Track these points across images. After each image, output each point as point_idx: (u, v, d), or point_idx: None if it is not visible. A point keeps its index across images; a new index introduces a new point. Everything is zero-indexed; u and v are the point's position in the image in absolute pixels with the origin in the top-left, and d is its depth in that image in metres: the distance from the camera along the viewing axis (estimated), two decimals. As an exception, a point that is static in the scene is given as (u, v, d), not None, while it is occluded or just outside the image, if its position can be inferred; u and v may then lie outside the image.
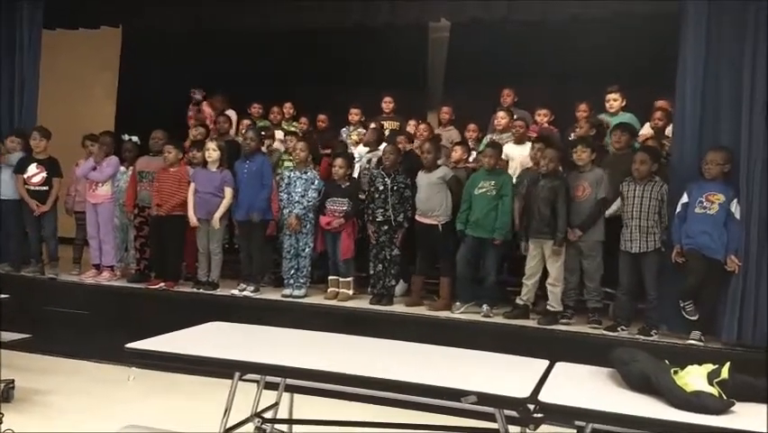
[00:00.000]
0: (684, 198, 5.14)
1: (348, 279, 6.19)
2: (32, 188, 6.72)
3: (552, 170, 5.53)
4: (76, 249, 7.06)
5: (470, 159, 6.67)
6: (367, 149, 6.95)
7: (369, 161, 6.80)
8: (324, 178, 6.44)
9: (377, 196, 6.08)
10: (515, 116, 7.14)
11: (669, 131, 6.06)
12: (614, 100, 6.49)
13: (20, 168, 6.75)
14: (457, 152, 6.53)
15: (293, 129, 7.75)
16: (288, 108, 8.01)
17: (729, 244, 4.99)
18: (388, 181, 6.07)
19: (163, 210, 6.28)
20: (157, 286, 6.36)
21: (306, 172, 6.25)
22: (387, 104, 7.68)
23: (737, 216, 4.98)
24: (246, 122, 7.65)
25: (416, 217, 6.02)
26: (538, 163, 5.74)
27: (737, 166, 5.02)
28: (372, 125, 7.28)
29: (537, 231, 5.53)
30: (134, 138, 6.89)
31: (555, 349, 4.49)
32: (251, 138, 6.38)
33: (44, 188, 6.73)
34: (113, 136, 6.95)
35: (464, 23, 7.81)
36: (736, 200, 5.00)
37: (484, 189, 5.75)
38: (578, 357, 3.44)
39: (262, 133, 6.96)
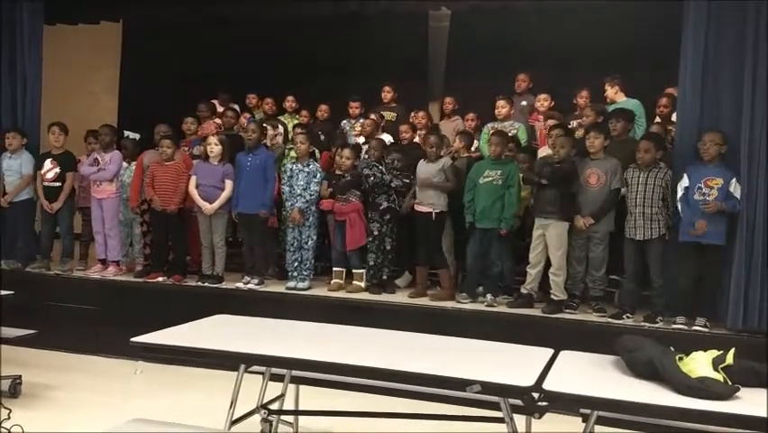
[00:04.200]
0: (685, 182, 5.09)
1: (361, 271, 6.17)
2: (46, 183, 6.71)
3: (565, 156, 5.50)
4: (83, 245, 7.07)
5: (473, 148, 6.66)
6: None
7: (366, 152, 6.78)
8: (324, 170, 6.43)
9: (377, 185, 6.07)
10: (523, 102, 7.13)
11: (675, 117, 6.04)
12: (604, 90, 6.48)
13: (38, 164, 6.75)
14: (457, 142, 6.51)
15: (296, 121, 7.73)
16: (291, 102, 7.99)
17: (727, 204, 4.95)
18: (384, 169, 6.09)
19: (171, 206, 6.28)
20: (155, 280, 6.36)
21: (308, 165, 6.24)
22: (386, 93, 7.64)
23: (737, 194, 4.95)
24: (246, 115, 7.63)
25: (416, 207, 6.01)
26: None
27: (738, 151, 4.97)
28: (372, 116, 7.26)
29: (542, 211, 5.50)
30: (132, 135, 6.87)
31: (560, 338, 4.50)
32: (252, 130, 6.38)
33: (57, 183, 6.71)
34: (112, 129, 6.94)
35: (464, 10, 7.79)
36: (734, 180, 4.96)
37: (490, 179, 5.73)
38: (583, 346, 3.43)
39: (264, 125, 6.95)
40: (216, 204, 6.22)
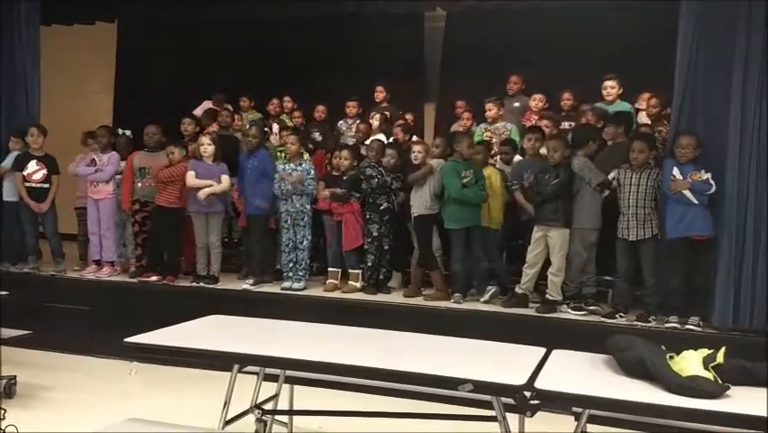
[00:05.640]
0: (678, 174, 5.09)
1: (357, 271, 6.18)
2: (34, 185, 6.69)
3: (560, 159, 5.51)
4: (80, 245, 7.07)
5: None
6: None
7: (366, 153, 6.78)
8: (318, 169, 6.44)
9: (376, 186, 6.08)
10: (516, 104, 7.15)
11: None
12: (611, 88, 6.45)
13: (19, 165, 6.73)
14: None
15: (290, 123, 7.75)
16: (287, 102, 8.00)
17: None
18: (383, 170, 6.11)
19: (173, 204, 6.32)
20: (149, 279, 6.36)
21: (300, 164, 6.24)
22: (379, 93, 7.66)
23: (712, 182, 5.02)
24: (237, 116, 7.62)
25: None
26: (537, 153, 5.79)
27: (727, 150, 5.00)
28: (376, 116, 7.28)
29: (544, 219, 5.50)
30: (128, 132, 6.87)
31: (554, 337, 4.52)
32: (253, 135, 6.38)
33: (45, 185, 6.70)
34: (109, 130, 6.94)
35: (460, 11, 7.81)
36: (709, 175, 5.03)
37: (467, 179, 5.74)
38: (577, 345, 3.45)
39: (265, 129, 6.96)
40: (209, 190, 6.17)
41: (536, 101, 6.94)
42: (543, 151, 5.88)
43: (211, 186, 6.19)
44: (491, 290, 5.75)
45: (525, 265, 5.63)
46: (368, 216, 6.15)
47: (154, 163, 6.47)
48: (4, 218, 6.81)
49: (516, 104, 7.18)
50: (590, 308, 5.45)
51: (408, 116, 7.27)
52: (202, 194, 6.16)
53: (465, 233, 5.77)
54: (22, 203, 6.71)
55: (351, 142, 7.13)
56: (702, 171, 5.05)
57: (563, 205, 5.44)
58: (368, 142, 6.79)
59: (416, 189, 5.93)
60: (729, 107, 5.00)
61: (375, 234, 6.11)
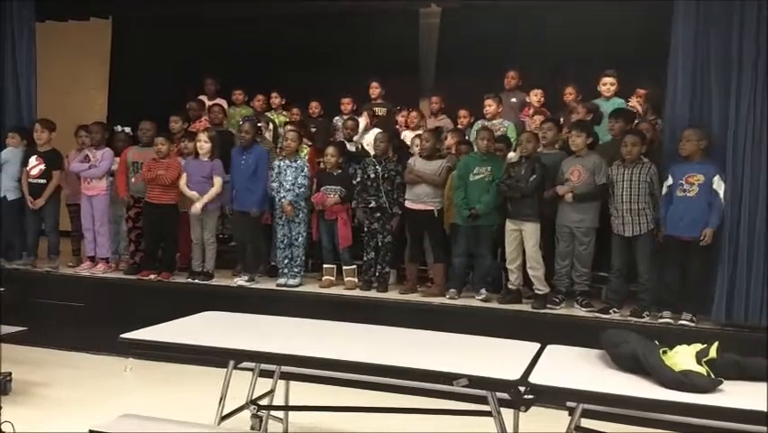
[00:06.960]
0: (669, 180, 5.15)
1: (352, 267, 6.18)
2: (31, 180, 6.68)
3: (531, 151, 5.56)
4: (74, 241, 7.06)
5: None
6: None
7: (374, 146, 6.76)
8: (311, 167, 6.44)
9: (369, 183, 6.09)
10: (513, 99, 7.15)
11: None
12: (611, 84, 6.44)
13: (23, 161, 6.72)
14: (449, 140, 6.52)
15: (283, 118, 7.73)
16: (275, 98, 7.97)
17: (710, 219, 5.00)
18: (380, 169, 6.08)
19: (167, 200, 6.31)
20: (149, 277, 6.35)
21: (295, 161, 6.24)
22: (374, 89, 7.61)
23: (721, 191, 5.00)
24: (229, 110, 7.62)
25: (408, 205, 6.00)
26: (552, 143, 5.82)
27: (724, 146, 5.02)
28: (365, 113, 7.27)
29: (519, 213, 5.54)
30: (127, 129, 6.87)
31: (549, 332, 4.53)
32: (246, 131, 6.37)
33: (42, 180, 6.68)
34: (103, 126, 6.92)
35: (454, 8, 7.81)
36: (717, 176, 5.01)
37: (481, 175, 5.73)
38: (571, 340, 3.47)
39: (259, 124, 6.96)
40: (205, 199, 6.20)
41: (539, 96, 6.93)
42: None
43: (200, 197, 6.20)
44: (482, 291, 5.76)
45: (507, 262, 5.67)
46: (359, 212, 6.16)
47: (147, 159, 6.45)
48: (5, 216, 6.79)
49: (513, 99, 7.18)
50: (583, 302, 5.48)
51: (413, 113, 7.24)
52: (195, 210, 6.18)
53: (471, 229, 5.76)
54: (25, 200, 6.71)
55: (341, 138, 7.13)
56: (717, 178, 5.00)
57: (537, 200, 5.49)
58: (357, 138, 6.79)
59: (434, 187, 5.91)
60: (724, 106, 5.02)
61: (365, 229, 6.12)
